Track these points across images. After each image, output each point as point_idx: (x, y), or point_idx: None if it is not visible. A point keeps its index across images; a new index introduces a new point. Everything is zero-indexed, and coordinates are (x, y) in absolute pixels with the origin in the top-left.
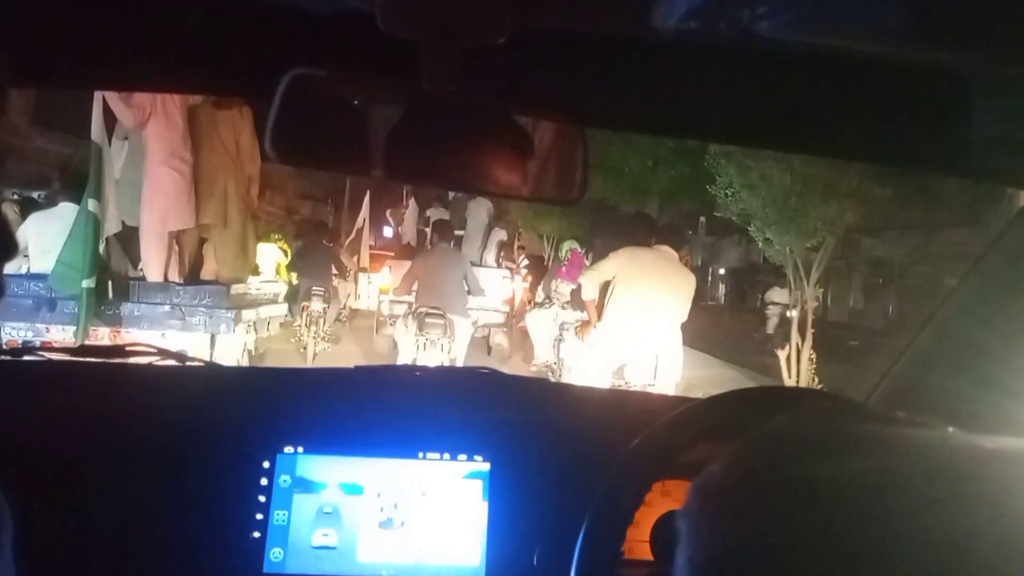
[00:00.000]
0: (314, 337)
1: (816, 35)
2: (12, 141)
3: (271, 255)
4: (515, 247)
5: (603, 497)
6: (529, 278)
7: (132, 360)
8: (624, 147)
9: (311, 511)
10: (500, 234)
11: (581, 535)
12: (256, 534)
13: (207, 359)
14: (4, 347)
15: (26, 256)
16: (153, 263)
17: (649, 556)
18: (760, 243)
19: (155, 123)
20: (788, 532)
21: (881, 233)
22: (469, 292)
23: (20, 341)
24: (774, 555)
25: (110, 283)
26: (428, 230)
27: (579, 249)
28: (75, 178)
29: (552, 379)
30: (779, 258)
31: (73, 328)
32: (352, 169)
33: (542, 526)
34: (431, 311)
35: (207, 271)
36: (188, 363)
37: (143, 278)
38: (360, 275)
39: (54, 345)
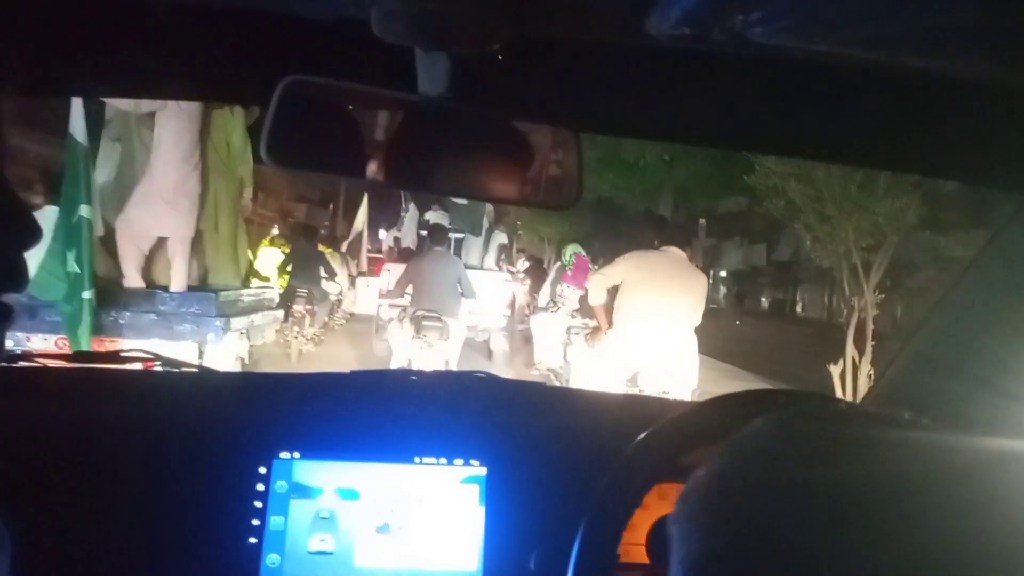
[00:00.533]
0: (296, 338)
1: (810, 41)
2: None
3: (274, 259)
4: (514, 250)
5: (600, 501)
6: (528, 281)
7: (128, 366)
8: (640, 141)
9: (308, 516)
10: (500, 237)
11: (578, 538)
12: (252, 540)
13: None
14: None
15: None
16: (130, 269)
17: (645, 559)
18: (807, 242)
19: (168, 117)
20: (773, 536)
21: (949, 231)
22: (463, 295)
23: None
24: (760, 558)
25: (94, 290)
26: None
27: (583, 253)
28: (57, 181)
29: (557, 384)
30: (829, 260)
31: (55, 337)
32: (347, 174)
33: (539, 530)
34: (428, 314)
35: (195, 277)
36: (184, 369)
37: (137, 285)
38: (359, 280)
39: (48, 352)
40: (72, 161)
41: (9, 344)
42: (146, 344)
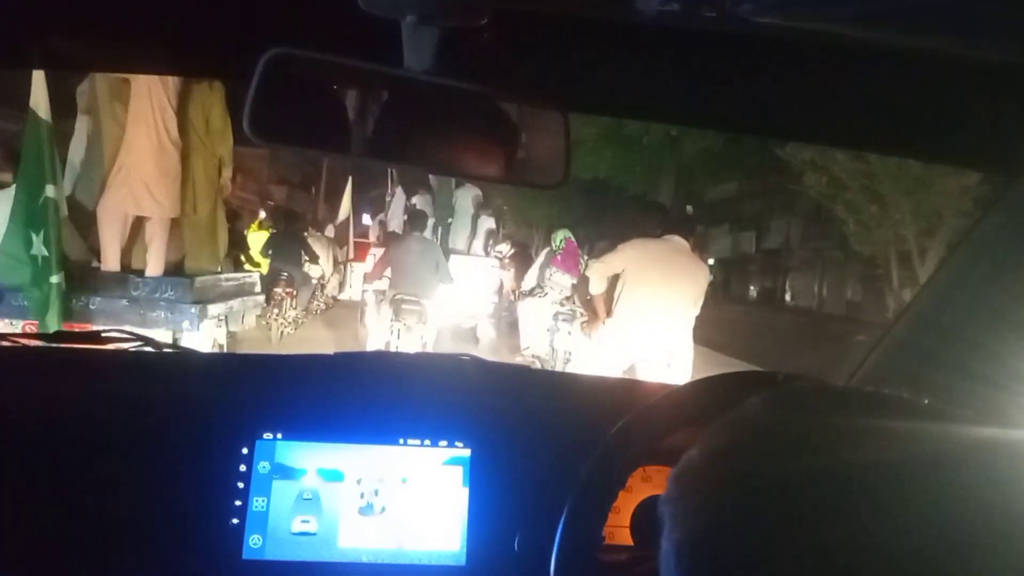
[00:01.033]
0: (275, 320)
1: (798, 19)
2: None
3: (261, 243)
4: (500, 234)
5: (584, 482)
6: (512, 267)
7: (109, 346)
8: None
9: (290, 497)
10: (488, 222)
11: (562, 520)
12: (235, 521)
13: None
14: None
15: None
16: (111, 251)
17: (630, 541)
18: (850, 226)
19: (143, 88)
20: (765, 519)
21: None
22: (440, 280)
23: None
24: (752, 541)
25: (63, 274)
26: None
27: (572, 238)
28: (18, 159)
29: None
30: (873, 246)
31: (23, 323)
32: (331, 150)
33: (523, 512)
34: (407, 298)
35: (171, 261)
36: (165, 350)
37: (114, 268)
38: (346, 265)
39: (27, 332)
40: (34, 138)
41: None
42: None
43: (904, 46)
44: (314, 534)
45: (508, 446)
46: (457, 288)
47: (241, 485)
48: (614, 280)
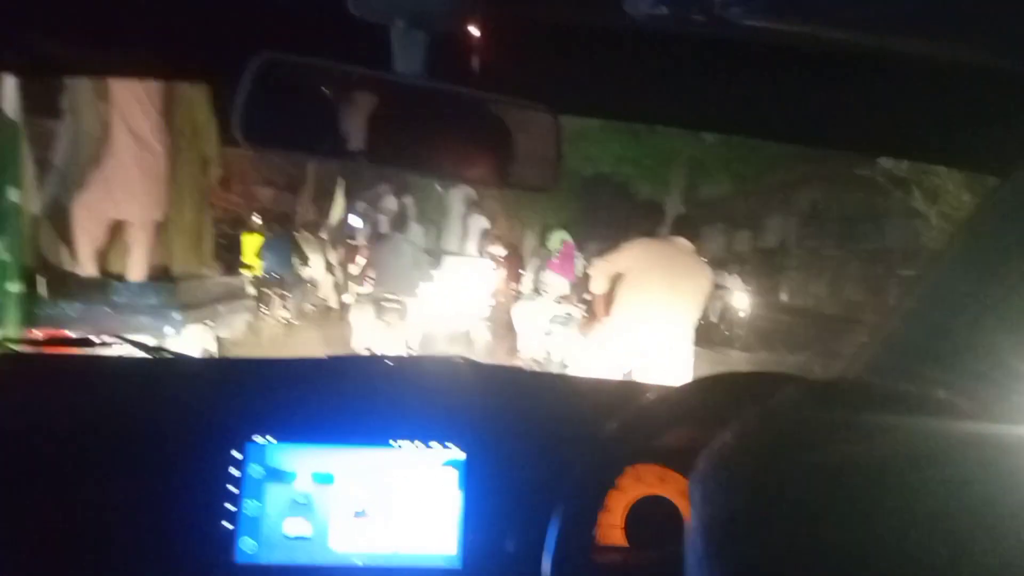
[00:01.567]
0: (264, 319)
1: (786, 22)
2: None
3: (255, 247)
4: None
5: (574, 483)
6: (503, 269)
7: (100, 351)
8: None
9: (283, 501)
10: (481, 222)
11: (554, 521)
12: (227, 525)
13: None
14: None
15: None
16: (85, 253)
17: (623, 542)
18: (925, 215)
19: (126, 89)
20: (796, 505)
21: None
22: (420, 278)
23: None
24: (782, 525)
25: (38, 278)
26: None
27: (570, 240)
28: None
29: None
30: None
31: None
32: (321, 154)
33: (517, 514)
34: (387, 297)
35: (155, 266)
36: (157, 354)
37: (91, 273)
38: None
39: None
40: (7, 141)
41: None
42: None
43: (891, 49)
44: (308, 538)
45: (503, 448)
46: (450, 289)
47: (234, 489)
48: (615, 280)
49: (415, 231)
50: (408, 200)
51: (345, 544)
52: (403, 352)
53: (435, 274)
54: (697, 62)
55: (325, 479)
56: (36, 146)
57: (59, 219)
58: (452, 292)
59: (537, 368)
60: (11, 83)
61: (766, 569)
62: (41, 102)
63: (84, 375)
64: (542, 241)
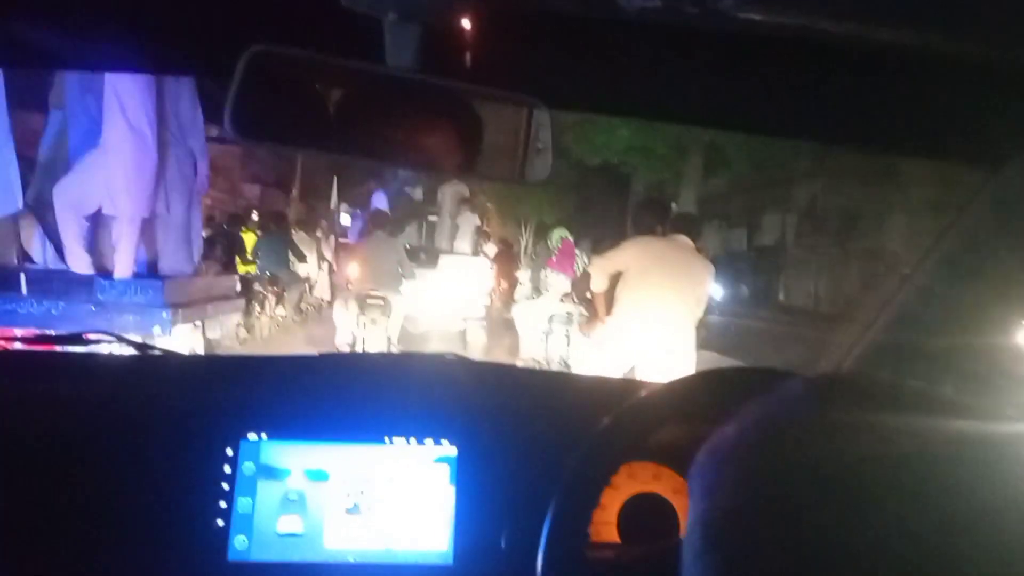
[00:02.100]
0: (258, 318)
1: (779, 14)
2: None
3: (251, 245)
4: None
5: (568, 480)
6: (496, 267)
7: (92, 348)
8: None
9: (276, 498)
10: (473, 219)
11: (548, 517)
12: (220, 522)
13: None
14: None
15: None
16: (74, 251)
17: (616, 538)
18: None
19: (120, 83)
20: (795, 502)
21: None
22: (403, 275)
23: None
24: (783, 514)
25: (23, 276)
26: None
27: (569, 237)
28: None
29: None
30: None
31: None
32: (313, 147)
33: (510, 510)
34: (371, 294)
35: (143, 263)
36: (149, 351)
37: (78, 270)
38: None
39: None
40: None
41: None
42: None
43: (883, 41)
44: (300, 535)
45: (495, 444)
46: (445, 289)
47: (226, 486)
48: (615, 278)
49: (404, 229)
50: (397, 196)
51: (338, 541)
52: (384, 350)
53: (425, 272)
54: (690, 55)
55: (318, 476)
56: (21, 141)
57: (40, 214)
58: (444, 291)
59: (537, 367)
60: None
61: (765, 564)
62: (27, 96)
63: (75, 373)
64: (536, 237)
